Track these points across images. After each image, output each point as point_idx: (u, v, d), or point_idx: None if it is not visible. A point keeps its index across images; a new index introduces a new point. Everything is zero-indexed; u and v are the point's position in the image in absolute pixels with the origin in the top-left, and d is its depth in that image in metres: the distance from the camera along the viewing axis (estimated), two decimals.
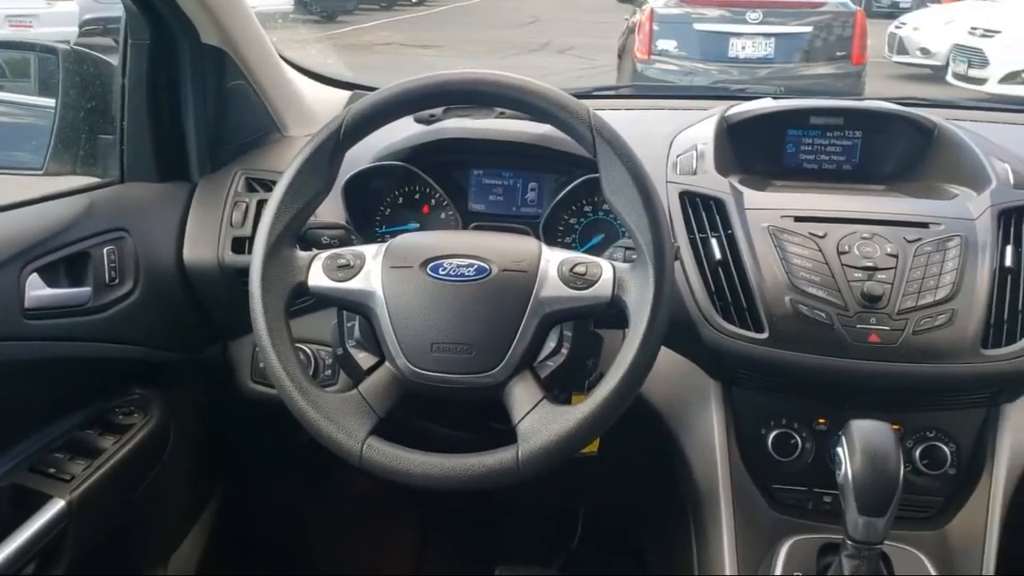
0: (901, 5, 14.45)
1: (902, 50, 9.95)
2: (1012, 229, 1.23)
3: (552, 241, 1.43)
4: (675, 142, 1.45)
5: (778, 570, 1.14)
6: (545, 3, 17.29)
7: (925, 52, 9.65)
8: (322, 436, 1.03)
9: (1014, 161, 1.34)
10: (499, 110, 1.41)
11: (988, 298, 1.17)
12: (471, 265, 1.07)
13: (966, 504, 1.20)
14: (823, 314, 1.18)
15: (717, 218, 1.28)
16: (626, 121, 1.62)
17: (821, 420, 1.23)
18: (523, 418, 1.02)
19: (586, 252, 1.28)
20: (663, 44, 6.67)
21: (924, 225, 1.24)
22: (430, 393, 1.07)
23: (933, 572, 1.14)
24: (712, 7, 6.70)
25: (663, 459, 1.31)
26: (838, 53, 6.57)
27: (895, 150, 1.48)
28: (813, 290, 1.19)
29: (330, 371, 1.42)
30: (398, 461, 1.02)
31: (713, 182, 1.32)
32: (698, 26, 6.66)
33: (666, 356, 1.28)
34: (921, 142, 1.45)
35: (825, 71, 6.53)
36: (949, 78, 8.64)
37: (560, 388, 1.15)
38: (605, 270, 1.08)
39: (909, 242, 1.22)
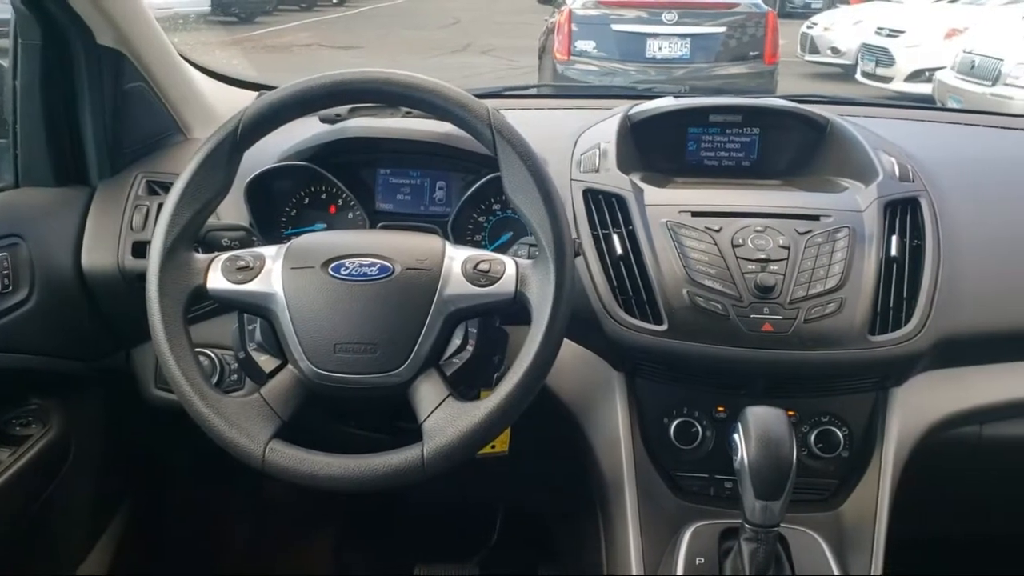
0: (813, 5, 14.87)
1: (814, 49, 10.25)
2: (897, 220, 1.29)
3: (461, 239, 1.43)
4: (579, 141, 1.47)
5: (681, 555, 1.17)
6: (468, 4, 17.29)
7: (835, 51, 9.96)
8: (223, 441, 1.02)
9: (900, 155, 1.40)
10: (405, 110, 1.42)
11: (875, 287, 1.22)
12: (374, 264, 1.08)
13: (858, 485, 1.25)
14: (719, 305, 1.21)
15: (619, 214, 1.31)
16: (534, 121, 1.66)
17: (720, 408, 1.26)
18: (428, 416, 1.03)
19: (495, 250, 1.30)
20: (582, 45, 6.73)
21: (815, 218, 1.28)
22: (335, 394, 1.07)
23: (828, 552, 1.17)
24: (629, 8, 6.79)
25: (572, 453, 1.32)
26: (751, 53, 6.72)
27: (791, 146, 1.52)
28: (709, 282, 1.22)
29: (236, 376, 1.40)
30: (302, 464, 1.01)
31: (615, 179, 1.35)
32: (616, 27, 6.75)
33: (572, 350, 1.30)
34: (815, 138, 1.49)
35: (739, 71, 6.68)
36: (858, 76, 8.93)
37: (467, 385, 1.15)
38: (508, 267, 1.09)
39: (800, 234, 1.26)
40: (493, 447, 1.30)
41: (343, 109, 1.48)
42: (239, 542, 1.85)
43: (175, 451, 1.71)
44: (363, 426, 1.30)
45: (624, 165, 1.39)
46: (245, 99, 1.72)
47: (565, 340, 1.27)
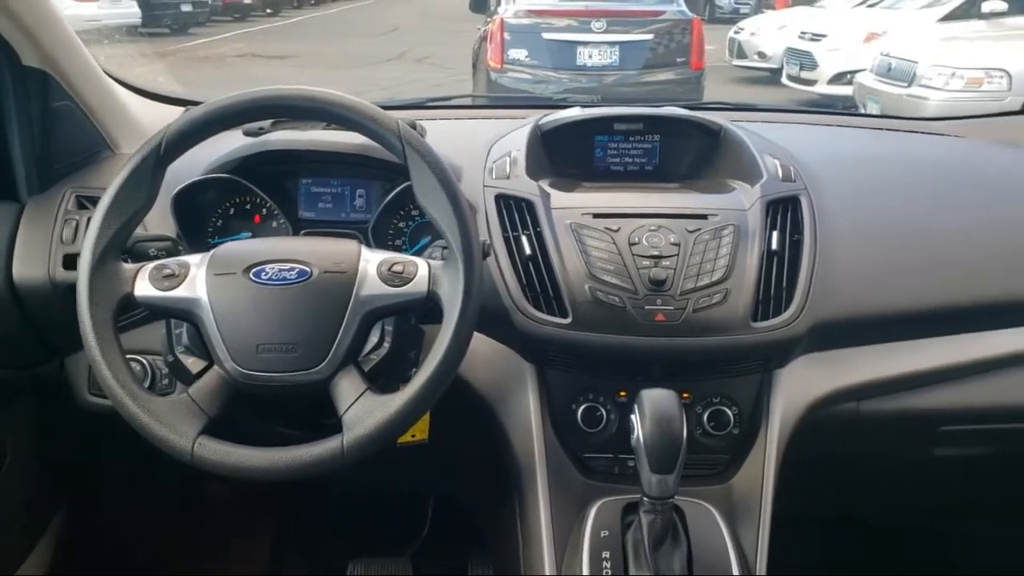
0: (741, 11, 15.22)
1: (741, 54, 10.50)
2: (779, 217, 1.40)
3: (383, 245, 1.51)
4: (492, 150, 1.57)
5: (587, 529, 1.25)
6: (404, 13, 17.32)
7: (762, 56, 10.22)
8: (155, 439, 1.08)
9: (784, 157, 1.52)
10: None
11: (756, 278, 1.34)
12: (292, 269, 1.15)
13: (747, 460, 1.35)
14: (617, 298, 1.31)
15: (528, 218, 1.40)
16: (451, 131, 1.75)
17: (622, 393, 1.36)
18: (348, 409, 1.10)
19: (415, 254, 1.38)
20: (515, 53, 6.83)
21: (703, 217, 1.39)
22: (259, 392, 1.14)
23: (721, 521, 1.27)
24: (559, 17, 6.92)
25: (489, 439, 1.41)
26: (678, 59, 6.90)
27: (689, 151, 1.63)
28: (608, 278, 1.33)
29: (167, 380, 1.46)
30: (228, 456, 1.08)
31: (524, 185, 1.44)
32: (547, 35, 6.87)
33: (486, 344, 1.39)
34: (710, 143, 1.61)
35: (667, 77, 6.85)
36: (784, 80, 9.18)
37: (386, 379, 1.23)
38: (421, 268, 1.18)
39: (690, 232, 1.37)
40: (413, 435, 1.38)
41: (266, 123, 1.55)
42: (176, 542, 1.90)
43: (111, 454, 1.75)
44: (290, 424, 1.37)
45: (533, 172, 1.48)
46: (171, 114, 1.77)
47: (480, 335, 1.38)
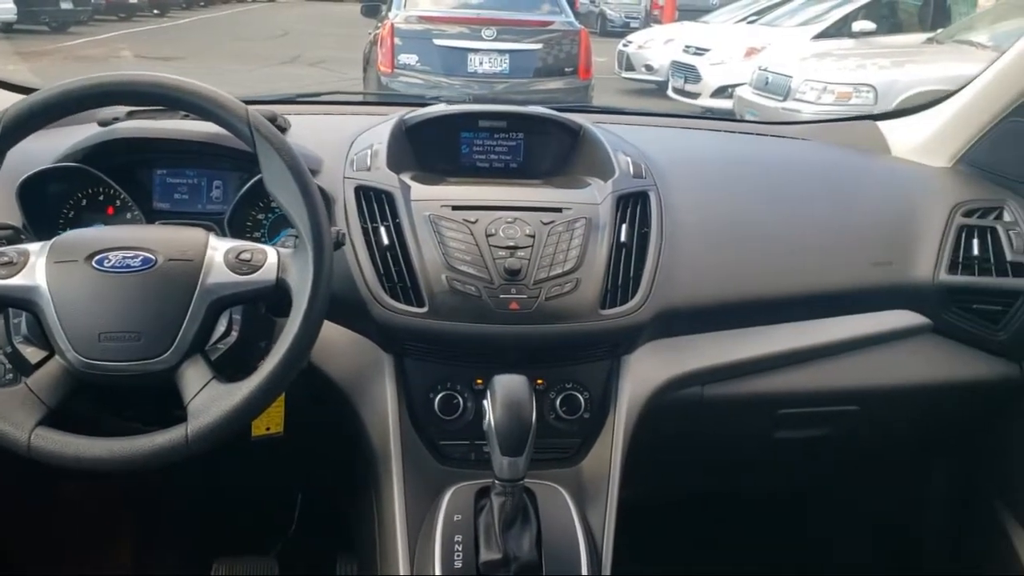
0: (632, 25, 15.62)
1: (629, 67, 10.79)
2: (629, 211, 1.46)
3: (241, 236, 1.50)
4: (355, 143, 1.57)
5: (440, 514, 1.27)
6: (296, 16, 17.08)
7: (649, 68, 10.53)
8: None
9: (636, 155, 1.58)
10: (183, 112, 1.47)
11: (606, 268, 1.39)
12: (137, 256, 1.14)
13: (596, 442, 1.40)
14: (473, 288, 1.34)
15: (387, 209, 1.42)
16: (318, 125, 1.75)
17: (479, 381, 1.38)
18: (193, 398, 1.10)
19: (275, 246, 1.38)
20: (405, 58, 6.86)
21: (558, 210, 1.44)
22: (103, 382, 1.12)
23: (571, 502, 1.31)
24: (449, 24, 6.97)
25: (347, 432, 1.42)
26: (567, 69, 7.06)
27: (551, 149, 1.67)
28: (465, 268, 1.35)
29: (12, 375, 1.41)
30: (67, 447, 1.06)
31: (384, 177, 1.46)
32: (438, 41, 6.92)
33: (343, 334, 1.40)
34: (571, 142, 1.66)
35: (556, 85, 7.00)
36: (669, 92, 9.47)
37: (235, 369, 1.22)
38: (270, 256, 1.18)
39: (545, 224, 1.41)
40: (268, 428, 1.37)
41: (121, 112, 1.52)
42: (34, 545, 1.83)
43: None
44: (138, 417, 1.35)
45: (395, 165, 1.50)
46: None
47: (337, 326, 1.39)
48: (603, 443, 1.39)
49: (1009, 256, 1.56)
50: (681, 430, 1.53)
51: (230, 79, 8.74)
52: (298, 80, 9.85)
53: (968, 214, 1.61)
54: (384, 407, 1.37)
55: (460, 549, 1.23)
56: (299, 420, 1.40)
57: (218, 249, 1.17)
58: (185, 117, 1.49)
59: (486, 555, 1.21)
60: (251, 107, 1.19)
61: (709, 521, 1.95)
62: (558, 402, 1.40)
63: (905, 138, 1.87)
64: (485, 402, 1.19)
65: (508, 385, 1.18)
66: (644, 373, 1.42)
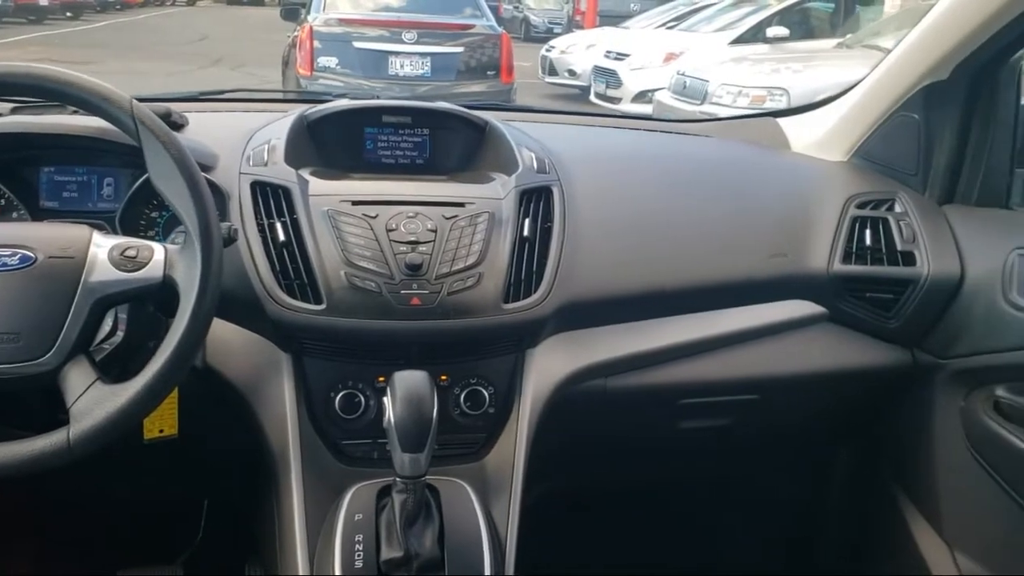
0: (555, 30, 15.75)
1: (553, 71, 10.88)
2: (532, 206, 1.46)
3: (134, 235, 1.45)
4: (253, 138, 1.54)
5: (341, 515, 1.25)
6: (214, 21, 16.76)
7: (572, 73, 10.63)
8: None
9: (540, 151, 1.58)
10: (73, 108, 1.42)
11: (508, 262, 1.38)
12: (15, 254, 1.09)
13: (500, 437, 1.39)
14: (373, 284, 1.33)
15: (283, 204, 1.39)
16: (217, 122, 1.71)
17: (381, 378, 1.36)
18: (76, 400, 1.06)
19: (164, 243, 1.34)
20: (325, 61, 6.79)
21: (460, 204, 1.43)
22: None
23: (474, 497, 1.30)
24: (369, 27, 6.93)
25: (245, 435, 1.38)
26: (488, 72, 7.08)
27: (457, 145, 1.66)
28: (364, 263, 1.33)
29: None
30: None
31: (281, 172, 1.43)
32: (358, 44, 6.87)
33: (239, 334, 1.37)
34: (477, 137, 1.65)
35: (478, 89, 7.01)
36: (592, 97, 9.58)
37: (121, 370, 1.18)
38: (157, 252, 1.14)
39: (447, 219, 1.40)
40: (161, 431, 1.33)
41: (4, 108, 1.46)
42: None
43: None
44: (20, 422, 1.30)
45: (294, 160, 1.47)
46: None
47: (233, 325, 1.35)
48: (507, 438, 1.38)
49: (899, 246, 1.61)
50: (586, 423, 1.54)
51: (149, 83, 8.53)
52: (217, 85, 9.64)
53: (861, 206, 1.66)
54: (282, 408, 1.34)
55: (361, 548, 1.22)
56: (198, 423, 1.36)
57: (102, 246, 1.13)
58: (75, 112, 1.44)
59: (387, 553, 1.20)
60: (146, 104, 1.16)
61: (619, 516, 1.96)
62: (462, 397, 1.39)
63: (804, 134, 1.92)
64: (385, 399, 1.17)
65: (408, 381, 1.17)
66: (548, 366, 1.42)
